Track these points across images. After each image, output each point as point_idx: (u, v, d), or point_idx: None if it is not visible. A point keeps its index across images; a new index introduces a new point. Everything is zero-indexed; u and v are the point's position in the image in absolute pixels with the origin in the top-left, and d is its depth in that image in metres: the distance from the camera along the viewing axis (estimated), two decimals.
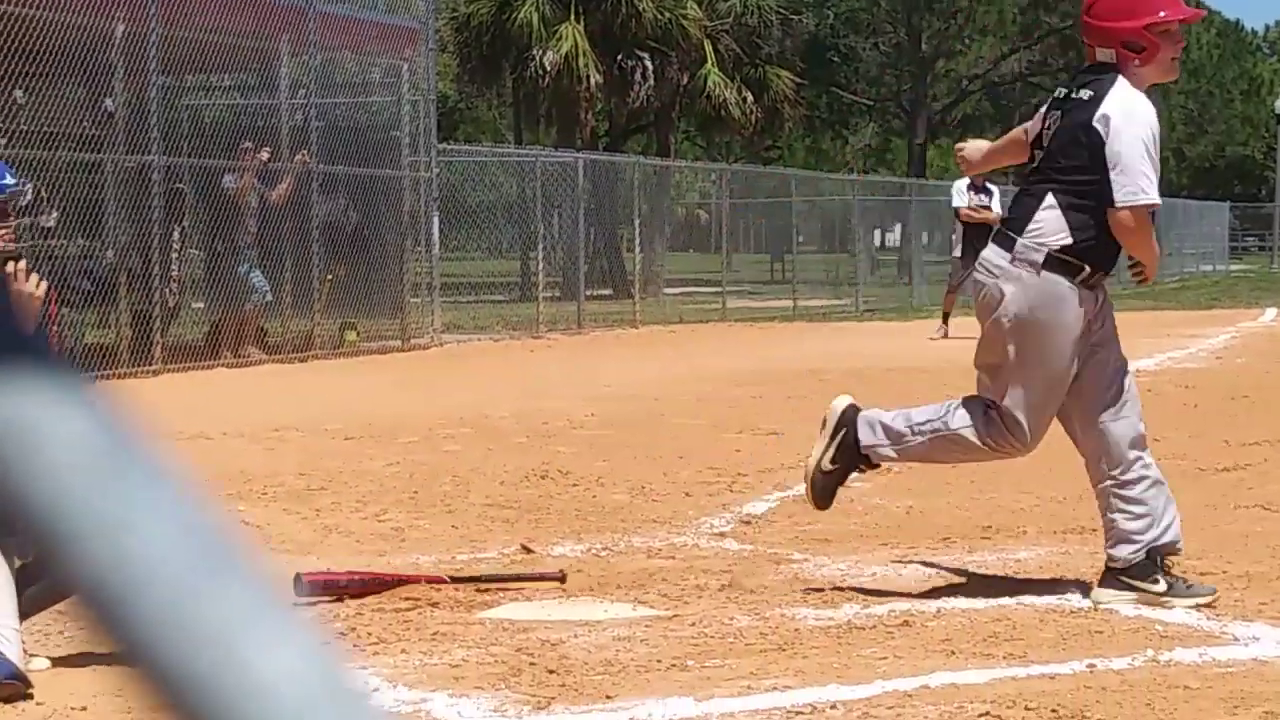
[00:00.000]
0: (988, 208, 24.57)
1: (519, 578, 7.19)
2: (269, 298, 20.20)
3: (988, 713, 5.22)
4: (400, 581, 6.96)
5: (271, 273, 20.37)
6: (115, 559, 0.81)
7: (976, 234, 24.72)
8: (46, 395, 0.83)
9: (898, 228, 48.25)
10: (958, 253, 25.89)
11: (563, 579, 7.09)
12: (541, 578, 7.13)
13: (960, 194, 25.01)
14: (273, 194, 20.25)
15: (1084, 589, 6.92)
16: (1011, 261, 6.85)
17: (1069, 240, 6.72)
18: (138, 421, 0.85)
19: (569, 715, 5.27)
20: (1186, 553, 7.65)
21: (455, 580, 7.06)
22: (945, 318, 24.91)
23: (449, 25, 40.09)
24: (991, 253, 6.96)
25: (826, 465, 6.93)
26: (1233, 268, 67.00)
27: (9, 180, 6.68)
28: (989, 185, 24.98)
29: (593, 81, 39.36)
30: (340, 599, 6.77)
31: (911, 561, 7.59)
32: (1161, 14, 6.83)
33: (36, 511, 0.82)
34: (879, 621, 6.42)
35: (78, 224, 18.08)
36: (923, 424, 6.98)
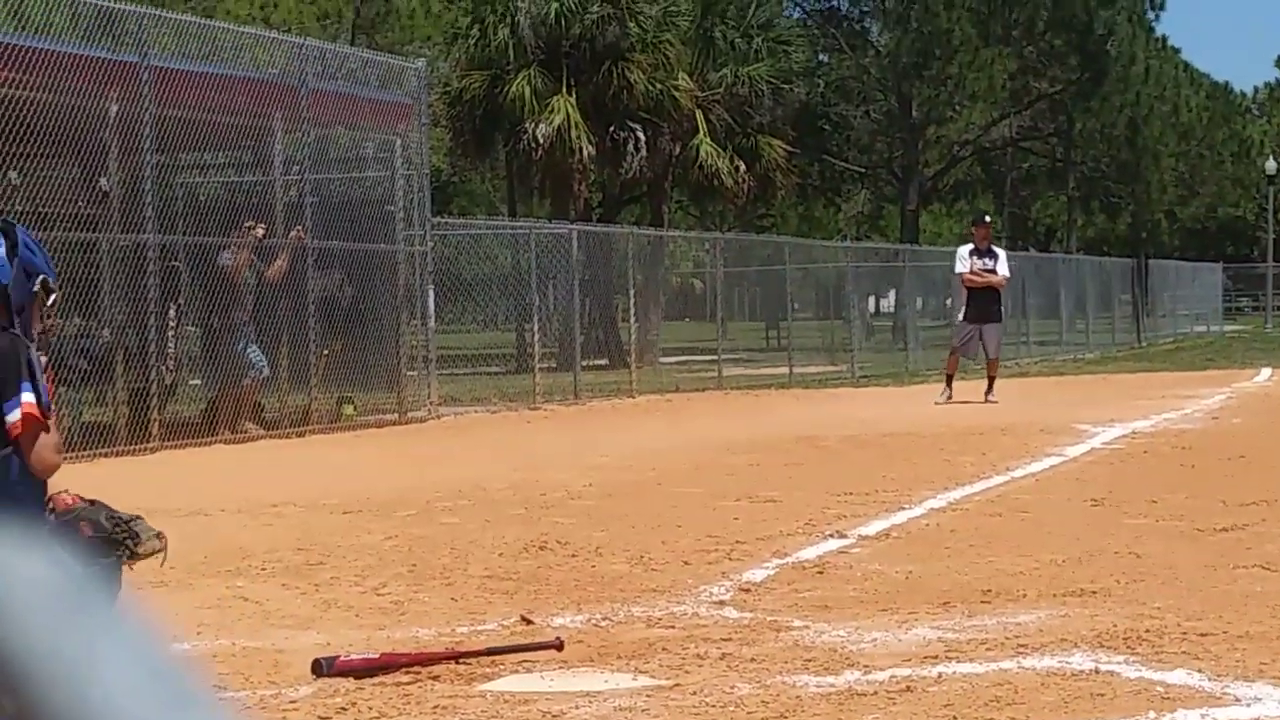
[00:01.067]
0: (993, 271, 24.52)
1: (519, 648, 7.18)
2: (266, 372, 20.21)
3: None
4: (416, 661, 6.95)
5: (268, 348, 20.38)
6: (77, 701, 0.81)
7: (981, 298, 24.68)
8: (9, 541, 0.84)
9: (892, 293, 48.34)
10: (960, 316, 25.88)
11: (560, 646, 7.08)
12: (540, 646, 7.13)
13: (963, 259, 24.87)
14: (269, 270, 20.29)
15: (1085, 651, 6.92)
16: None
17: None
18: (101, 569, 0.86)
19: None
20: (1187, 613, 7.65)
21: (461, 656, 7.04)
22: (949, 380, 24.75)
23: (441, 100, 40.24)
24: None
25: None
26: (1227, 328, 67.06)
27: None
28: (994, 249, 24.95)
29: (585, 153, 39.48)
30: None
31: (912, 627, 7.57)
32: None
33: (2, 650, 0.82)
34: (880, 688, 6.41)
35: (74, 303, 18.10)
36: None
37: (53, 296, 6.42)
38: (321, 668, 6.75)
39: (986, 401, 23.96)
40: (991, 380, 24.87)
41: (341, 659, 6.85)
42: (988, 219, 26.54)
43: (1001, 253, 25.18)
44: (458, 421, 23.20)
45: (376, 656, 7.00)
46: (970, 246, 25.10)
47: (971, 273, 24.60)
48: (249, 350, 20.04)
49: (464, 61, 41.20)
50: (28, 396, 6.02)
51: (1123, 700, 6.17)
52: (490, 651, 7.14)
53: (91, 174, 18.87)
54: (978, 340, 24.72)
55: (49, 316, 6.69)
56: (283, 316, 20.45)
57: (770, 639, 7.40)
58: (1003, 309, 25.56)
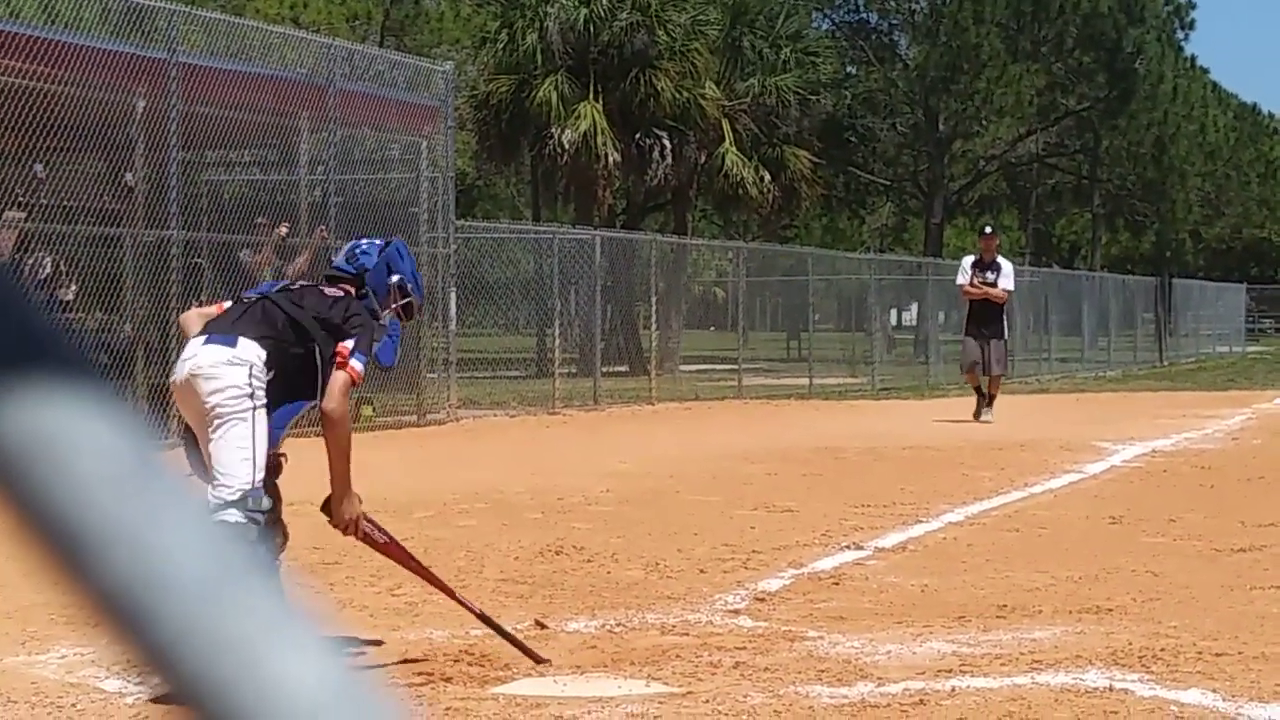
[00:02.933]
0: (993, 284, 23.67)
1: (511, 639, 7.18)
2: None
3: None
4: (420, 574, 7.52)
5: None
6: (138, 567, 0.81)
7: (980, 311, 23.73)
8: (71, 404, 0.84)
9: (914, 306, 48.28)
10: (964, 332, 24.97)
11: (540, 661, 7.05)
12: (526, 652, 7.12)
13: (964, 271, 24.12)
14: (290, 268, 20.31)
15: (1100, 669, 6.90)
16: None
17: None
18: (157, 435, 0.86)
19: None
20: (1202, 632, 7.63)
21: (458, 600, 7.20)
22: (978, 392, 23.82)
23: (468, 103, 40.27)
24: None
25: None
26: (1249, 349, 66.94)
27: None
28: (999, 261, 24.05)
29: (611, 160, 39.49)
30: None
31: (926, 640, 7.56)
32: None
33: (61, 521, 0.83)
34: (893, 700, 6.39)
35: (96, 298, 18.15)
36: None
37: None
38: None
39: (981, 421, 23.04)
40: (991, 399, 23.70)
41: (369, 533, 7.55)
42: (989, 230, 25.47)
43: (1006, 265, 24.17)
44: (477, 425, 23.21)
45: (390, 543, 7.60)
46: (973, 258, 24.33)
47: (971, 284, 23.83)
48: None
49: (491, 65, 41.24)
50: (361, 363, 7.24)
51: (1137, 718, 6.15)
52: (483, 619, 7.17)
53: (117, 169, 18.91)
54: (985, 356, 23.59)
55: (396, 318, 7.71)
56: None
57: (784, 649, 7.39)
58: (1005, 325, 24.33)
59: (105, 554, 0.81)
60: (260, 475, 6.84)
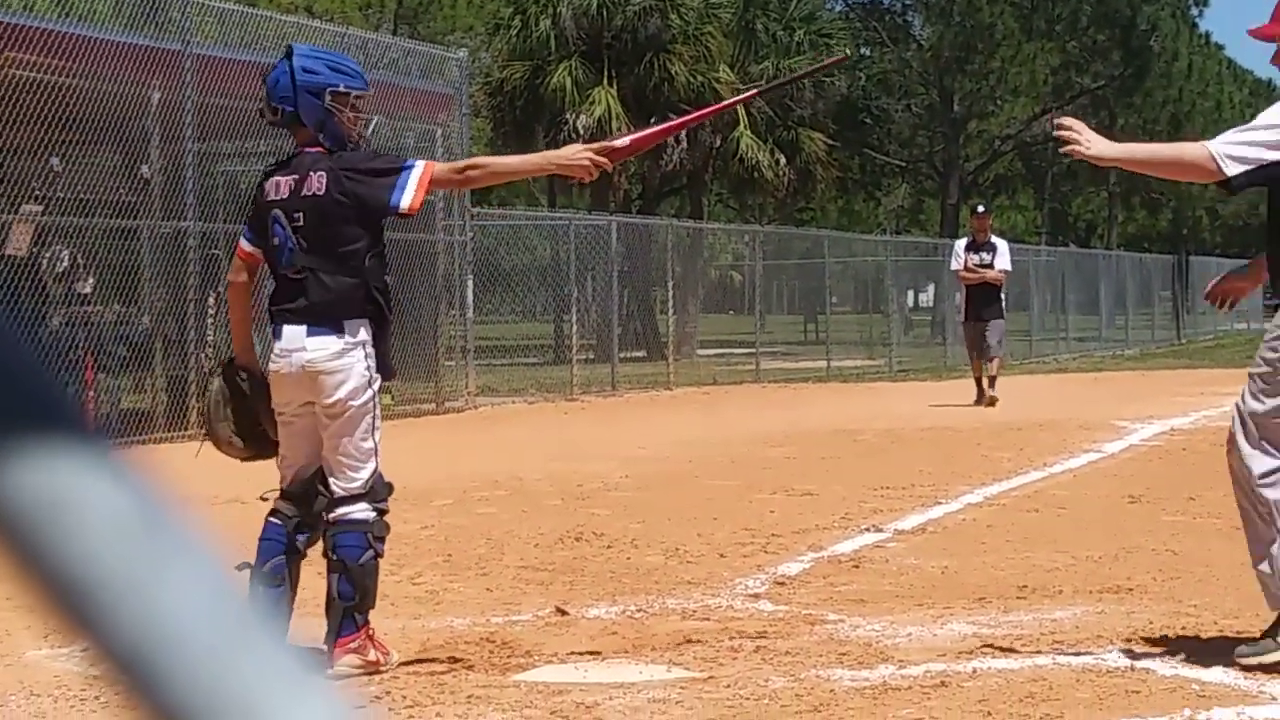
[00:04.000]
0: (989, 265, 22.79)
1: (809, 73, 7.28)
2: None
3: None
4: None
5: None
6: (146, 625, 0.82)
7: (979, 294, 22.88)
8: (79, 463, 0.85)
9: (931, 288, 48.26)
10: (960, 316, 24.43)
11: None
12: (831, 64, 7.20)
13: (958, 255, 23.28)
14: None
15: (1120, 648, 6.90)
16: None
17: None
18: (167, 490, 0.87)
19: None
20: (1223, 611, 7.63)
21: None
22: (978, 383, 23.04)
23: (482, 90, 40.28)
24: None
25: None
26: (1266, 326, 66.76)
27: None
28: (994, 240, 23.14)
29: None
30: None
31: (947, 622, 7.56)
32: None
33: (70, 579, 0.83)
34: (915, 682, 6.40)
35: (114, 290, 18.18)
36: None
37: (349, 100, 6.95)
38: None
39: (987, 403, 22.27)
40: (992, 380, 22.73)
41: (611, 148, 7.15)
42: (981, 209, 24.36)
43: (1001, 244, 23.18)
44: (495, 412, 23.24)
45: (634, 139, 7.41)
46: (967, 240, 23.45)
47: (965, 268, 22.93)
48: None
49: (505, 52, 41.25)
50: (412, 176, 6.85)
51: (1158, 698, 6.15)
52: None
53: (133, 161, 18.94)
54: (980, 342, 22.82)
55: (359, 121, 7.09)
56: None
57: (805, 632, 7.39)
58: (1003, 305, 23.33)
59: (114, 611, 0.82)
60: (377, 453, 6.96)
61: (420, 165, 6.85)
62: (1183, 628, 7.28)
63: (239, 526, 10.31)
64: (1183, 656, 6.76)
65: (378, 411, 6.82)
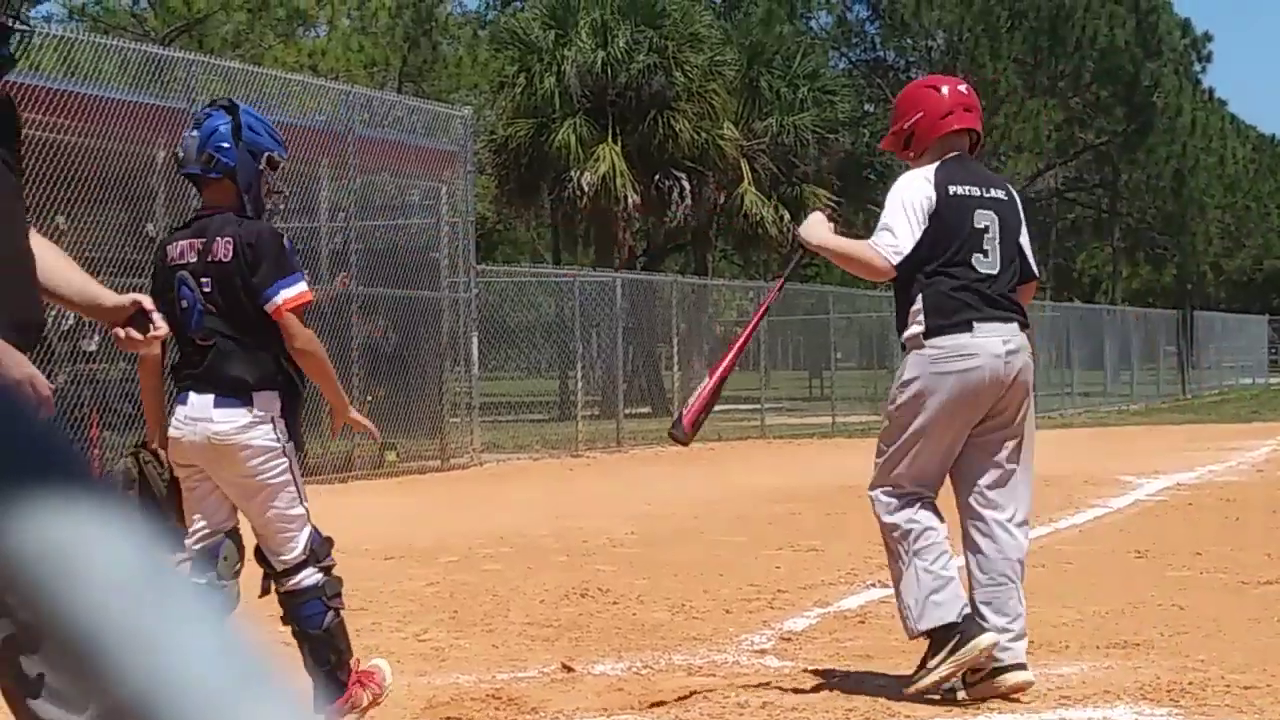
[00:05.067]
0: None
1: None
2: None
3: None
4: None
5: (311, 395, 20.40)
6: (151, 673, 0.82)
7: None
8: (87, 517, 0.85)
9: None
10: None
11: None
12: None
13: None
14: None
15: (1128, 704, 6.88)
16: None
17: None
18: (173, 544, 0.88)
19: None
20: (1230, 665, 7.60)
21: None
22: None
23: (487, 147, 40.38)
24: (1027, 343, 7.33)
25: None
26: (1272, 380, 66.79)
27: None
28: None
29: (630, 201, 39.55)
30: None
31: (954, 677, 7.54)
32: None
33: (77, 630, 0.83)
34: None
35: (119, 348, 18.18)
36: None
37: (276, 169, 6.76)
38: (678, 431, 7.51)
39: None
40: None
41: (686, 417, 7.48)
42: None
43: None
44: (500, 468, 23.22)
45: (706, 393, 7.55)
46: None
47: None
48: None
49: (510, 109, 41.35)
50: (299, 286, 6.48)
51: None
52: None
53: (139, 219, 18.98)
54: None
55: (273, 191, 6.92)
56: None
57: (811, 688, 7.37)
58: None
59: (121, 662, 0.82)
60: (308, 517, 6.69)
61: (304, 287, 6.55)
62: (1190, 683, 7.26)
63: (241, 584, 10.29)
64: (1191, 712, 6.74)
65: (298, 476, 6.55)
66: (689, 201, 40.51)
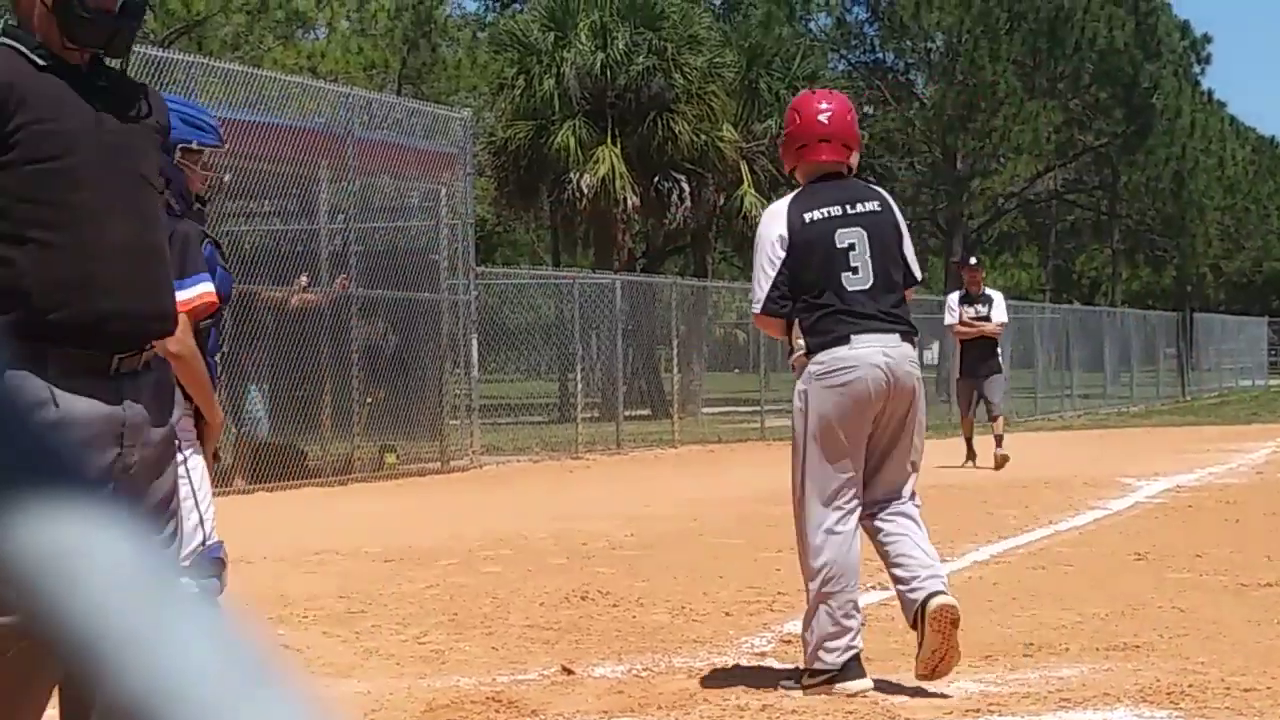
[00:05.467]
0: (986, 318, 21.94)
1: None
2: (263, 428, 20.09)
3: None
4: None
5: (311, 396, 20.43)
6: (151, 675, 0.82)
7: (975, 349, 22.13)
8: (87, 520, 0.85)
9: (935, 345, 48.25)
10: (956, 374, 23.55)
11: None
12: None
13: (951, 310, 22.37)
14: (294, 299, 20.30)
15: (1128, 706, 6.88)
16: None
17: None
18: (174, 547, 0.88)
19: None
20: (1230, 668, 7.60)
21: None
22: (969, 443, 22.43)
23: (486, 149, 40.38)
24: (909, 351, 7.64)
25: None
26: (1271, 382, 66.79)
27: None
28: (989, 292, 22.31)
29: (630, 203, 39.56)
30: None
31: (954, 680, 7.54)
32: None
33: (79, 631, 0.83)
34: None
35: None
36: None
37: (199, 159, 6.45)
38: None
39: (997, 465, 21.41)
40: (999, 439, 21.82)
41: None
42: (973, 261, 23.67)
43: (997, 296, 22.36)
44: (500, 471, 23.21)
45: None
46: (960, 293, 22.51)
47: (961, 323, 22.04)
48: (251, 400, 19.99)
49: (509, 111, 41.35)
50: (197, 289, 6.04)
51: None
52: None
53: None
54: (977, 401, 22.14)
55: (209, 181, 6.66)
56: (326, 365, 20.51)
57: (811, 691, 7.37)
58: (1000, 359, 22.54)
59: (120, 663, 0.82)
60: (213, 524, 6.43)
61: (206, 289, 6.13)
62: (1190, 685, 7.26)
63: (242, 587, 10.30)
64: (1190, 714, 6.74)
65: (196, 482, 6.26)
66: (688, 203, 40.52)
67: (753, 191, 42.08)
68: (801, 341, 7.53)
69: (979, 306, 22.07)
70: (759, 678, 7.69)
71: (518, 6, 56.73)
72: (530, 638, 8.87)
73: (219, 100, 20.10)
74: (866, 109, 58.67)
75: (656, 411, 35.57)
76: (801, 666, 7.47)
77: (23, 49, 4.58)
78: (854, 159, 7.94)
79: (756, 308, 7.65)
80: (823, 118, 7.86)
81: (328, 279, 20.89)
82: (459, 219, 23.43)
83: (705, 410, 37.95)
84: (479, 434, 24.02)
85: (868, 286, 7.52)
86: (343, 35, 43.86)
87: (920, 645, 7.26)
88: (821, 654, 7.33)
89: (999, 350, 22.57)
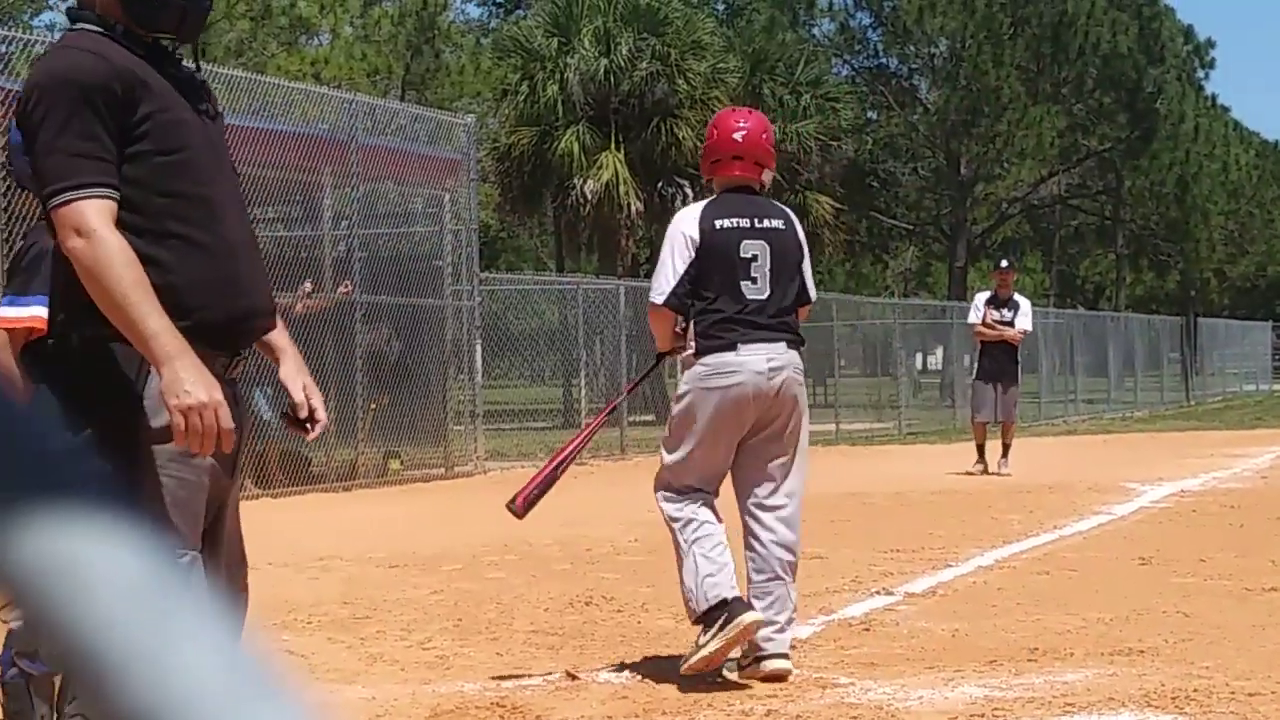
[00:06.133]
0: (1009, 323, 21.81)
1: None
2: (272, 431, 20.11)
3: None
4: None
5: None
6: (156, 688, 0.82)
7: (995, 353, 22.00)
8: (92, 529, 0.85)
9: (939, 350, 48.28)
10: (973, 375, 23.44)
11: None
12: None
13: (977, 309, 22.18)
14: (299, 305, 20.32)
15: (1132, 711, 6.88)
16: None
17: None
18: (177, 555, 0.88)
19: None
20: (1235, 672, 7.60)
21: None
22: (980, 450, 22.24)
23: (490, 155, 40.40)
24: (795, 359, 8.05)
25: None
26: (1276, 387, 66.76)
27: None
28: (1017, 298, 22.14)
29: (633, 209, 39.57)
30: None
31: (958, 685, 7.55)
32: None
33: (82, 641, 0.84)
34: None
35: None
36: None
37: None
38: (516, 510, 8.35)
39: (1000, 473, 21.42)
40: (1005, 448, 21.90)
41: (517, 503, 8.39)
42: (1005, 264, 23.14)
43: (1024, 303, 22.16)
44: (504, 476, 23.20)
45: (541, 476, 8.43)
46: (987, 295, 22.39)
47: (984, 324, 21.91)
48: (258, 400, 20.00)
49: (513, 117, 41.37)
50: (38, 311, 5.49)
51: None
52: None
53: None
54: (995, 402, 21.95)
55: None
56: (330, 371, 20.52)
57: (816, 696, 7.38)
58: (1019, 370, 22.49)
59: (125, 674, 0.82)
60: None
61: (39, 314, 5.29)
62: (1195, 689, 7.26)
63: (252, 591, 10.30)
64: (1195, 718, 6.74)
65: None
66: None
67: None
68: (694, 342, 7.99)
69: (1005, 311, 21.93)
70: (763, 683, 7.70)
71: (521, 12, 56.81)
72: (535, 643, 8.87)
73: (222, 107, 20.09)
74: (870, 114, 58.72)
75: (660, 417, 35.51)
76: (702, 640, 7.68)
77: (114, 36, 4.40)
78: (766, 176, 8.35)
79: (659, 299, 8.08)
80: (738, 135, 8.24)
81: (332, 285, 20.90)
82: (463, 225, 23.44)
83: None
84: (483, 440, 24.02)
85: (763, 297, 7.96)
86: (346, 41, 43.89)
87: (743, 666, 7.78)
88: (708, 588, 7.73)
89: (1019, 358, 22.43)
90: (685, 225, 8.08)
